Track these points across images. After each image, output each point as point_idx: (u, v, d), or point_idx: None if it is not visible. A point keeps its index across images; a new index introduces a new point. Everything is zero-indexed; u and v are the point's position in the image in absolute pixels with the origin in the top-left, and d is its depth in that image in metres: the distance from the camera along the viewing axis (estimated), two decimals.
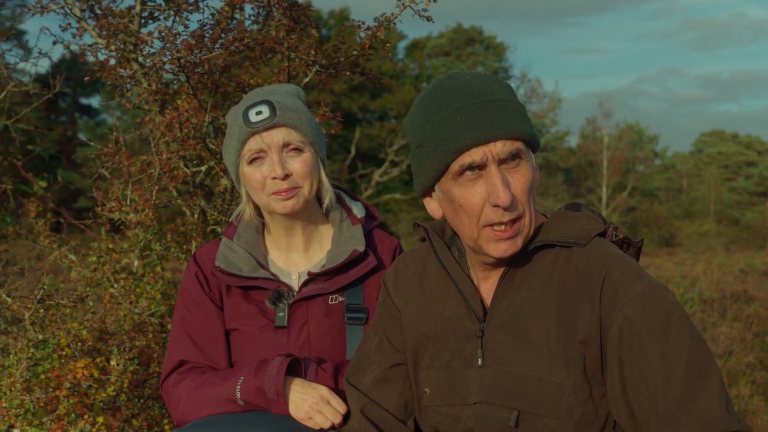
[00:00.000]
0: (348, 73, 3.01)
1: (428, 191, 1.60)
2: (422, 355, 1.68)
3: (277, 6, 2.91)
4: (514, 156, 1.48)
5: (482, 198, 1.49)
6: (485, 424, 1.55)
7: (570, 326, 1.49)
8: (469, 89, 1.50)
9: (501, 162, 1.47)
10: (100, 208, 3.08)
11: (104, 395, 2.61)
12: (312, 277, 1.99)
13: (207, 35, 2.93)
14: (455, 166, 1.49)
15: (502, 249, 1.52)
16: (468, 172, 1.49)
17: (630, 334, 1.44)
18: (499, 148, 1.46)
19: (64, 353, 2.68)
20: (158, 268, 3.07)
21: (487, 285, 1.63)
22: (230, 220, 2.16)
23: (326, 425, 1.79)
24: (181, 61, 2.86)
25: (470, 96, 1.49)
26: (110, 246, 3.08)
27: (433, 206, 1.62)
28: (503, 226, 1.50)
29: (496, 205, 1.47)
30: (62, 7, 3.03)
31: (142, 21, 3.09)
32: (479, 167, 1.48)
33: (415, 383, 1.70)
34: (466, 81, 1.52)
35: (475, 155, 1.46)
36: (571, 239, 1.55)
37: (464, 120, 1.47)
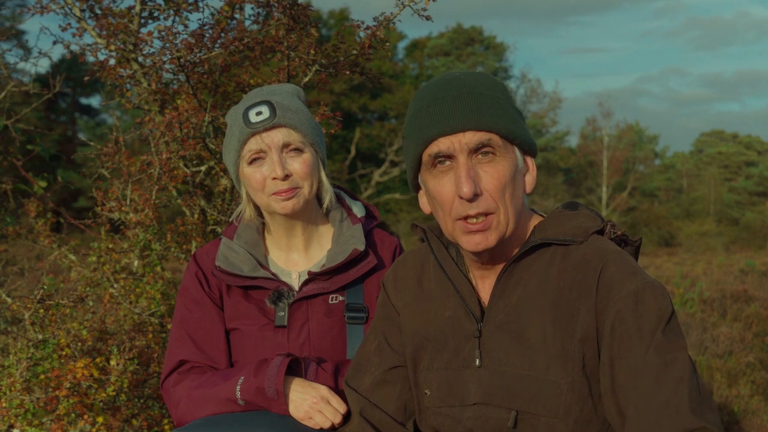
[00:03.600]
0: (348, 72, 3.01)
1: (417, 185, 1.62)
2: (422, 356, 1.68)
3: (276, 5, 2.91)
4: (485, 148, 1.47)
5: (452, 190, 1.50)
6: (484, 425, 1.54)
7: (568, 324, 1.49)
8: (451, 83, 1.51)
9: (472, 153, 1.48)
10: (100, 208, 3.08)
11: (104, 395, 2.61)
12: (312, 277, 1.99)
13: (207, 35, 2.93)
14: (426, 156, 1.51)
15: (474, 242, 1.51)
16: (439, 164, 1.50)
17: (620, 332, 1.44)
18: (468, 138, 1.47)
19: (64, 353, 2.68)
20: (158, 268, 3.07)
21: (485, 285, 1.63)
22: (230, 220, 2.16)
23: (326, 425, 1.79)
24: (181, 60, 2.86)
25: (448, 89, 1.50)
26: (110, 246, 3.08)
27: (423, 201, 1.63)
28: (473, 219, 1.50)
29: (461, 197, 1.48)
30: (62, 7, 3.03)
31: (142, 21, 3.09)
32: (448, 157, 1.49)
33: (414, 385, 1.69)
34: (454, 77, 1.53)
35: (441, 145, 1.48)
36: (568, 237, 1.55)
37: (435, 111, 1.49)
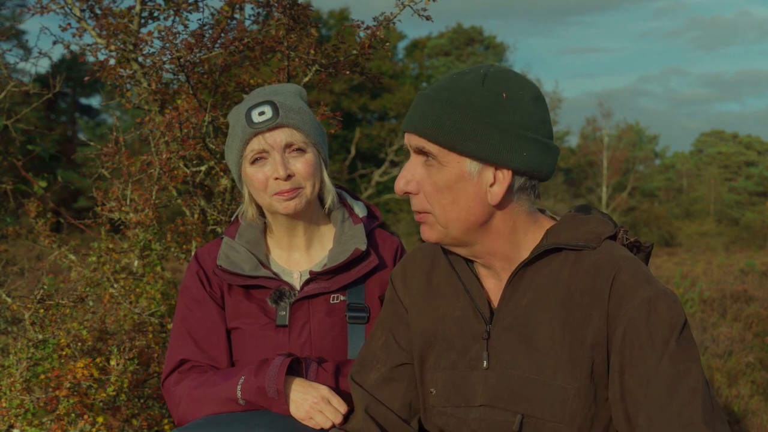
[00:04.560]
0: (348, 72, 3.01)
1: None
2: (429, 354, 1.67)
3: (276, 5, 2.91)
4: (423, 154, 1.52)
5: None
6: (489, 427, 1.54)
7: (578, 329, 1.48)
8: (442, 83, 1.54)
9: (419, 154, 1.54)
10: (100, 208, 3.08)
11: (104, 395, 2.61)
12: (314, 276, 1.99)
13: (207, 35, 2.93)
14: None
15: (421, 233, 1.58)
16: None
17: (632, 340, 1.43)
18: (412, 140, 1.53)
19: (64, 353, 2.67)
20: (158, 268, 3.07)
21: (494, 286, 1.62)
22: (232, 219, 2.16)
23: (327, 425, 1.79)
24: (181, 60, 2.86)
25: (432, 89, 1.54)
26: (110, 246, 3.07)
27: None
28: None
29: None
30: (62, 7, 3.03)
31: (142, 21, 3.09)
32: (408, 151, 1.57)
33: (420, 383, 1.69)
34: (450, 77, 1.55)
35: (406, 138, 1.56)
36: (581, 242, 1.54)
37: (411, 106, 1.56)
